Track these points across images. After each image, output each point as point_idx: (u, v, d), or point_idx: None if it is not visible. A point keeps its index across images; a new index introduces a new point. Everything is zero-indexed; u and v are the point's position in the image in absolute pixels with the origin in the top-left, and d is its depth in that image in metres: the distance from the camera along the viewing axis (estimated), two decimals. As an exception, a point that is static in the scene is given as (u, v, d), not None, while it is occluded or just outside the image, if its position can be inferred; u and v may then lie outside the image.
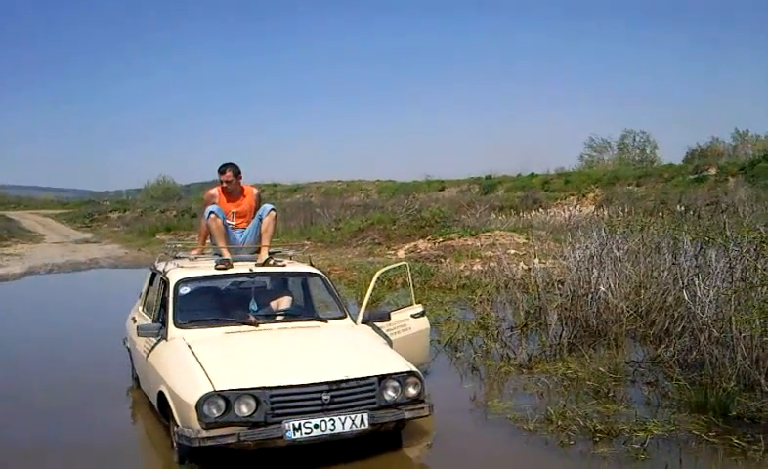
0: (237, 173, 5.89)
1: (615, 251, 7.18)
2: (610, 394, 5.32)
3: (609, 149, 43.85)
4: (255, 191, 6.08)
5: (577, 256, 7.20)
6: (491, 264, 11.42)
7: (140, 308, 6.18)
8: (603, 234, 7.35)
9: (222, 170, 5.84)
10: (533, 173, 36.76)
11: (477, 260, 12.69)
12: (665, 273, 7.01)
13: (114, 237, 26.87)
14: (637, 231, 8.02)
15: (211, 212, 5.65)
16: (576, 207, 22.31)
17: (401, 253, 15.26)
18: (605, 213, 18.40)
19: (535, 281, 7.59)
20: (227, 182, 5.84)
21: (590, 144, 44.27)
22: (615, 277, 6.90)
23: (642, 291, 7.24)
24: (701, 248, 6.38)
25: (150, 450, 4.91)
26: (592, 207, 22.29)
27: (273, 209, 5.85)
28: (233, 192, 5.88)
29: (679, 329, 6.11)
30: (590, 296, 6.70)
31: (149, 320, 5.41)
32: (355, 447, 4.32)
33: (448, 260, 13.12)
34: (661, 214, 16.36)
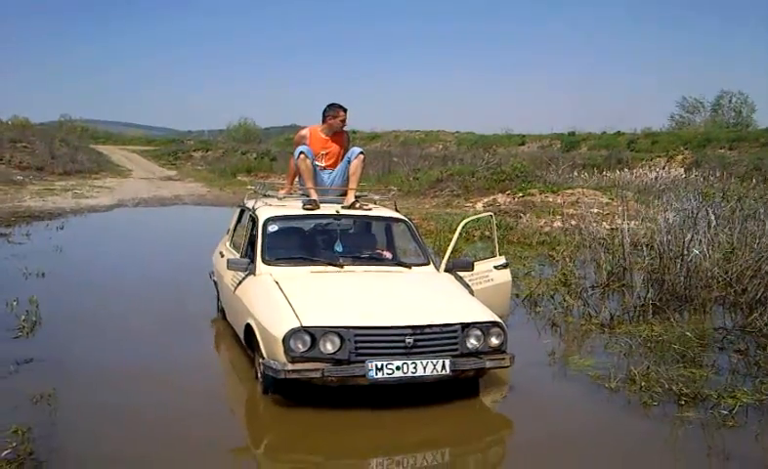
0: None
1: (710, 215, 6.89)
2: (696, 359, 5.16)
3: (702, 111, 41.86)
4: (346, 133, 6.10)
5: (669, 218, 6.95)
6: (573, 222, 11.21)
7: (227, 243, 6.35)
8: (698, 197, 7.07)
9: (339, 111, 5.86)
10: (618, 131, 35.66)
11: (557, 217, 12.45)
12: (763, 239, 6.70)
13: (197, 176, 27.71)
14: (734, 200, 7.69)
15: (301, 152, 5.72)
16: (663, 168, 21.48)
17: (479, 206, 15.14)
18: (694, 176, 17.68)
19: (621, 241, 7.39)
20: (342, 122, 5.88)
21: (682, 104, 42.39)
22: (708, 242, 6.65)
23: (734, 258, 6.96)
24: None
25: (234, 379, 5.10)
26: (681, 169, 21.40)
27: (361, 152, 5.87)
28: (331, 134, 5.92)
29: (775, 298, 5.86)
30: (680, 259, 6.48)
31: (237, 256, 5.57)
32: (433, 391, 4.37)
33: (527, 215, 12.94)
34: (753, 180, 15.61)
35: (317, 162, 5.85)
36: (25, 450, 3.47)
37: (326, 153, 5.92)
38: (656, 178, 18.24)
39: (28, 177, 21.33)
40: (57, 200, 16.40)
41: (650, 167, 22.13)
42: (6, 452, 3.41)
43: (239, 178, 25.61)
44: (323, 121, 5.91)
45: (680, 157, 26.37)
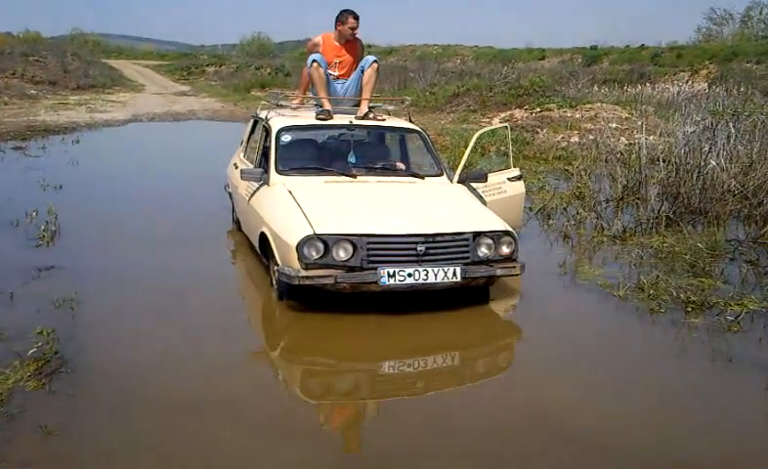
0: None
1: (731, 128, 6.79)
2: (706, 269, 5.20)
3: (730, 22, 40.52)
4: (359, 42, 5.97)
5: (688, 130, 6.86)
6: (591, 136, 11.09)
7: (241, 155, 6.37)
8: (718, 108, 6.96)
9: (348, 18, 5.71)
10: (642, 45, 34.75)
11: (575, 132, 12.29)
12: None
13: (210, 91, 27.47)
14: (745, 117, 7.56)
15: (314, 61, 5.62)
16: (687, 83, 20.99)
17: (495, 121, 14.93)
18: (717, 91, 17.27)
19: (638, 155, 7.32)
20: (352, 29, 5.76)
21: (709, 16, 41.04)
22: (726, 155, 6.57)
23: (752, 171, 6.90)
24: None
25: (251, 287, 5.20)
26: (705, 84, 20.88)
27: (375, 61, 5.75)
28: (343, 42, 5.80)
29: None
30: (697, 172, 6.43)
31: (251, 167, 5.60)
32: (444, 298, 4.46)
33: (544, 130, 12.78)
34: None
35: (330, 71, 5.76)
36: (51, 350, 3.61)
37: (340, 62, 5.81)
38: (678, 92, 17.84)
39: (42, 91, 21.27)
40: (71, 115, 16.39)
41: (673, 82, 21.63)
42: (32, 351, 3.55)
43: (253, 93, 25.34)
44: (335, 29, 5.80)
45: (705, 72, 25.72)
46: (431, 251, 4.26)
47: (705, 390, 3.61)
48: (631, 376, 3.69)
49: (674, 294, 4.62)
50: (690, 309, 4.45)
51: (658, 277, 4.92)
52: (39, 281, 4.79)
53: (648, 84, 21.23)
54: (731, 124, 7.13)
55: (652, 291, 4.70)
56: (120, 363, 3.65)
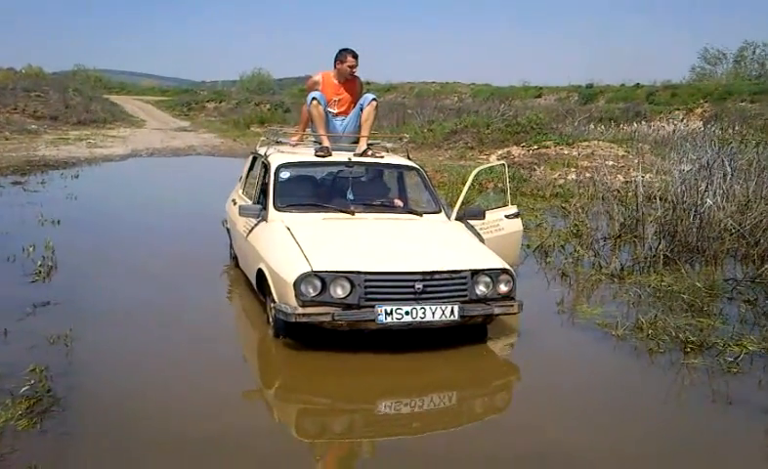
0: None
1: (726, 166, 6.83)
2: (704, 309, 5.19)
3: (724, 62, 40.96)
4: (359, 80, 6.02)
5: (684, 168, 6.90)
6: (587, 174, 11.15)
7: (240, 191, 6.38)
8: (715, 147, 7.01)
9: (348, 57, 5.77)
10: (637, 84, 35.04)
11: (572, 169, 12.36)
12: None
13: (210, 127, 27.67)
14: (751, 147, 7.61)
15: (313, 98, 5.67)
16: (682, 121, 21.16)
17: (493, 158, 15.02)
18: (713, 129, 17.42)
19: (635, 193, 7.35)
20: (351, 67, 5.81)
21: (704, 55, 41.50)
22: (723, 193, 6.60)
23: (748, 210, 6.93)
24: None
25: (247, 324, 5.17)
26: (699, 123, 21.06)
27: (374, 99, 5.81)
28: (342, 80, 5.86)
29: (787, 251, 5.84)
30: (694, 210, 6.45)
31: (250, 203, 5.61)
32: (442, 336, 4.43)
33: (541, 168, 12.85)
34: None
35: (329, 109, 5.81)
36: (43, 388, 3.57)
37: (339, 100, 5.86)
38: (673, 130, 17.99)
39: (42, 126, 21.40)
40: (71, 150, 16.48)
41: (668, 120, 21.80)
42: (24, 389, 3.50)
43: (253, 129, 25.52)
44: (335, 67, 5.86)
45: (699, 110, 25.95)
46: (429, 289, 4.24)
47: (706, 433, 3.57)
48: (630, 418, 3.65)
49: (673, 334, 4.60)
50: (689, 349, 4.42)
51: (656, 316, 4.90)
52: (34, 317, 4.76)
53: (643, 122, 21.40)
54: (727, 163, 7.17)
55: (650, 331, 4.68)
56: (114, 402, 3.60)
